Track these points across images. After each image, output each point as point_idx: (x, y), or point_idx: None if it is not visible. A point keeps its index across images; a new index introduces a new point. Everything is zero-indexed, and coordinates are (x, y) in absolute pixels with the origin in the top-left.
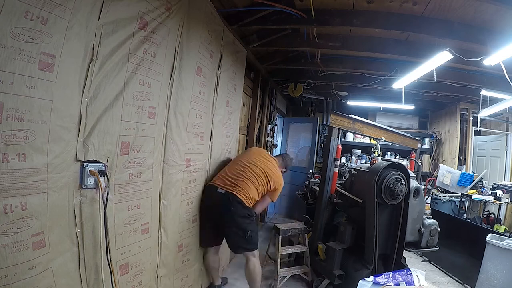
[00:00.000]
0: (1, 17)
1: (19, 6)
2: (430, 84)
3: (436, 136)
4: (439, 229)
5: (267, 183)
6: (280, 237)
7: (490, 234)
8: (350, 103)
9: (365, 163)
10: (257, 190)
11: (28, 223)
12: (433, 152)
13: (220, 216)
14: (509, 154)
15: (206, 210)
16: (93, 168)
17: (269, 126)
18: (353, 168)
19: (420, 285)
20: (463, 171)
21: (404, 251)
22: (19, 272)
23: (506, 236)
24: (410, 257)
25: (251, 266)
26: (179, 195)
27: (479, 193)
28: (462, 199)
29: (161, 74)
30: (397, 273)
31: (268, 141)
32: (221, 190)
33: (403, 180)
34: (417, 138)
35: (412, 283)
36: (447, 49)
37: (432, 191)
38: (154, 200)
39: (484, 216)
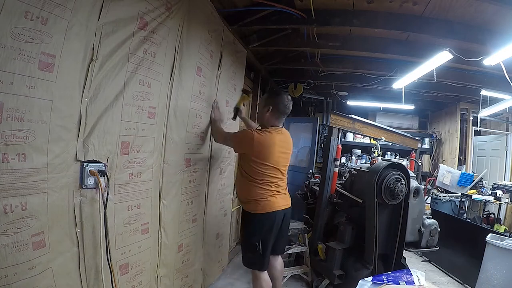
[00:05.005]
0: (1, 17)
1: (19, 6)
2: (430, 84)
3: (436, 136)
4: (439, 229)
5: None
6: None
7: (490, 234)
8: (350, 103)
9: (365, 163)
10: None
11: (28, 223)
12: (433, 152)
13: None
14: (509, 154)
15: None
16: (93, 168)
17: None
18: (353, 168)
19: (420, 285)
20: (463, 171)
21: (404, 251)
22: (19, 272)
23: (506, 236)
24: (410, 257)
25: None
26: (179, 195)
27: (479, 193)
28: (462, 199)
29: (161, 74)
30: (397, 273)
31: None
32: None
33: (403, 180)
34: (417, 138)
35: (412, 283)
36: (447, 49)
37: (432, 191)
38: (154, 200)
39: (484, 216)
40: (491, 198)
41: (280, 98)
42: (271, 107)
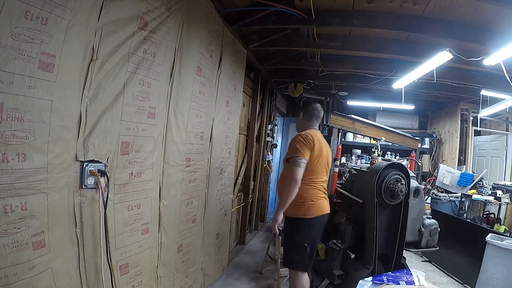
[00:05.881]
0: (1, 17)
1: (19, 6)
2: (430, 84)
3: (436, 136)
4: (439, 229)
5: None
6: (280, 237)
7: (490, 234)
8: (350, 103)
9: (365, 163)
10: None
11: (28, 223)
12: (433, 152)
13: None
14: (509, 154)
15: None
16: (93, 168)
17: (269, 126)
18: (353, 168)
19: (420, 285)
20: (463, 171)
21: (404, 251)
22: (19, 272)
23: (506, 236)
24: (410, 257)
25: None
26: (179, 195)
27: (479, 193)
28: (462, 199)
29: (161, 74)
30: (397, 273)
31: (268, 141)
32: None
33: (403, 180)
34: (417, 138)
35: (412, 283)
36: (447, 49)
37: (432, 191)
38: (154, 200)
39: (484, 216)
40: (491, 198)
41: (310, 105)
42: (301, 113)
